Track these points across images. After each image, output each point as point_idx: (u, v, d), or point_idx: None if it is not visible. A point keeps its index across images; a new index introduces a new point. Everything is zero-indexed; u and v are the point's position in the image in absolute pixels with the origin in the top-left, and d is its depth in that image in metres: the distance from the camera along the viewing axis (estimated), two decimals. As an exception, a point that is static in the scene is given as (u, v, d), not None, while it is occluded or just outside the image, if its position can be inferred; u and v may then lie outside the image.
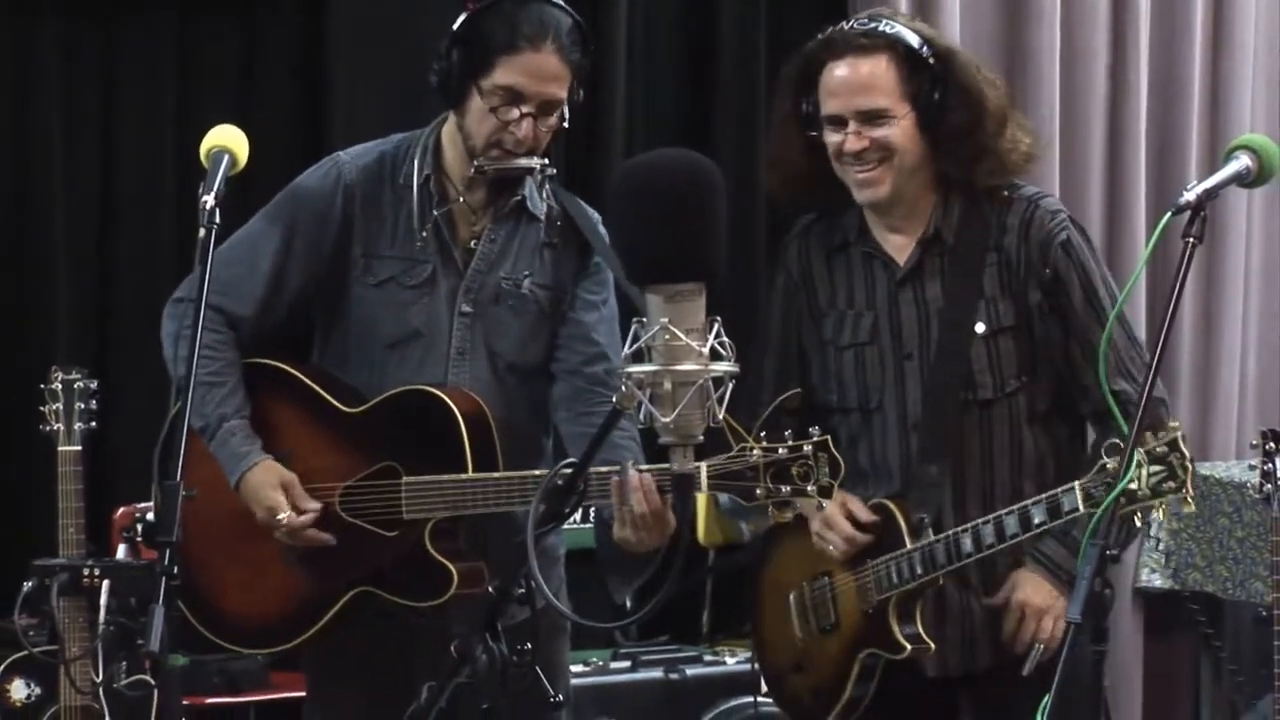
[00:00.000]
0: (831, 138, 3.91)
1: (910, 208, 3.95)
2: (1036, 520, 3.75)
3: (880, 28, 3.89)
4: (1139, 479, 3.48)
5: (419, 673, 3.87)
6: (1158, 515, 6.06)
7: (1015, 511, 3.78)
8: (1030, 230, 3.93)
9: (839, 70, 3.89)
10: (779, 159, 4.03)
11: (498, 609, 3.10)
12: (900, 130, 3.87)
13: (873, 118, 3.87)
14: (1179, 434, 3.51)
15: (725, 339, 2.70)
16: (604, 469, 3.70)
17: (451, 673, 3.11)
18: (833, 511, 3.93)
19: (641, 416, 2.70)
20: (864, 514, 3.94)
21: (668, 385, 2.66)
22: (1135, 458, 3.24)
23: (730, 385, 2.71)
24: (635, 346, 2.69)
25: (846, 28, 3.92)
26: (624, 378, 2.70)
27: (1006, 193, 3.97)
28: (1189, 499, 3.51)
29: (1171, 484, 3.48)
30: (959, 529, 3.83)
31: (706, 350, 2.67)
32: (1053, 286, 3.91)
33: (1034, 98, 6.16)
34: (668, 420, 2.67)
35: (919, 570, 3.85)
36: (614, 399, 2.76)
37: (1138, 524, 3.43)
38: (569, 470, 3.03)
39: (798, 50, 4.01)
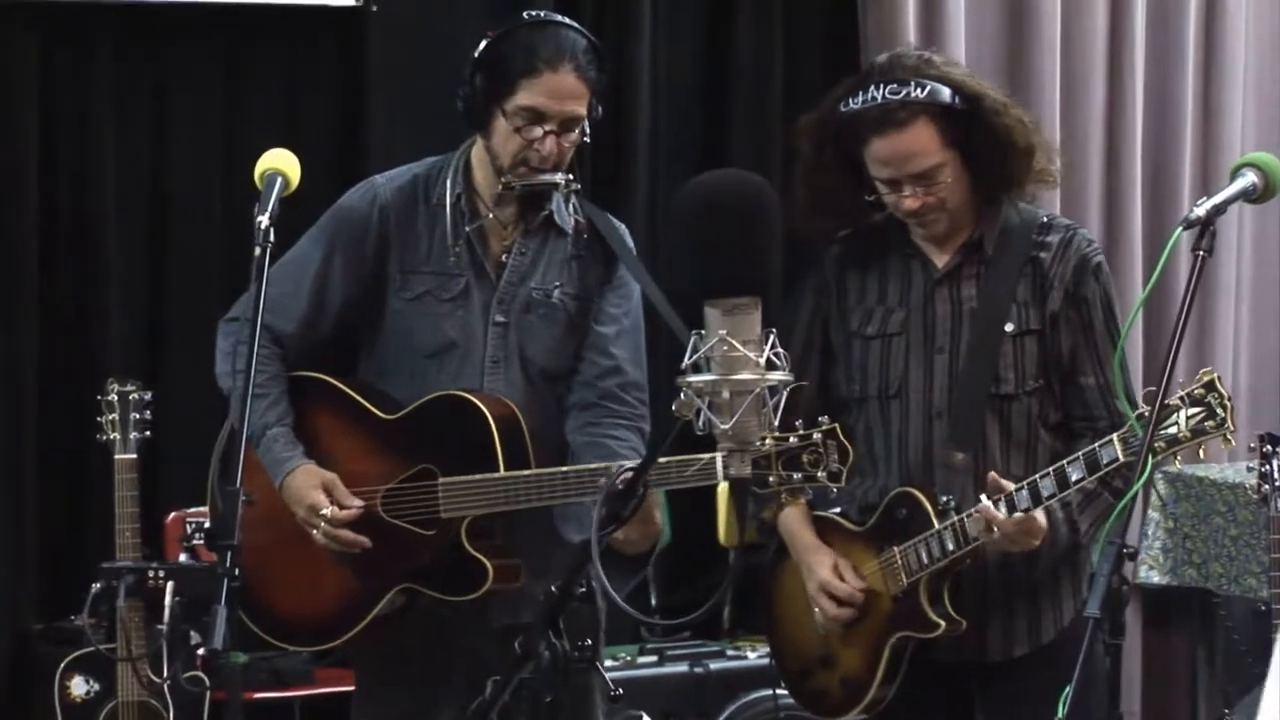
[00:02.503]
0: (888, 196, 3.97)
1: (955, 222, 4.04)
2: (1074, 477, 3.79)
3: (913, 94, 3.90)
4: (1178, 422, 3.60)
5: (461, 667, 4.02)
6: (1155, 515, 6.20)
7: (1050, 473, 3.82)
8: (1069, 250, 4.01)
9: (884, 146, 3.92)
10: (828, 202, 4.05)
11: (560, 606, 3.17)
12: (949, 180, 3.95)
13: (925, 177, 3.94)
14: (1214, 375, 3.63)
15: (780, 349, 2.77)
16: (593, 466, 3.88)
17: (515, 668, 3.18)
18: (828, 578, 4.04)
19: (700, 424, 2.77)
20: (854, 580, 4.03)
21: (726, 394, 2.75)
22: (1149, 463, 3.32)
23: (784, 394, 2.78)
24: (695, 357, 2.76)
25: (880, 99, 3.91)
26: (684, 387, 2.78)
27: (1047, 218, 4.09)
28: (1230, 436, 3.60)
29: (1211, 423, 3.59)
30: (992, 499, 3.84)
31: (763, 360, 2.74)
32: (1079, 303, 4.00)
33: (1035, 118, 6.19)
34: (726, 427, 2.75)
35: (950, 547, 3.90)
36: (673, 406, 2.82)
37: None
38: (629, 474, 3.13)
39: (827, 102, 4.03)
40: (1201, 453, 3.67)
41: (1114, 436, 3.76)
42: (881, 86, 3.94)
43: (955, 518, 3.92)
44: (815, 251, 4.24)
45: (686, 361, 2.80)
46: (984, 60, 6.33)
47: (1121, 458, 3.74)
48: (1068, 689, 3.15)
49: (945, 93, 3.94)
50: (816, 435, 3.58)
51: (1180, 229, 3.33)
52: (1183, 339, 3.33)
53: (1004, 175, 4.02)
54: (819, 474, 3.57)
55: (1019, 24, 6.46)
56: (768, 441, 3.32)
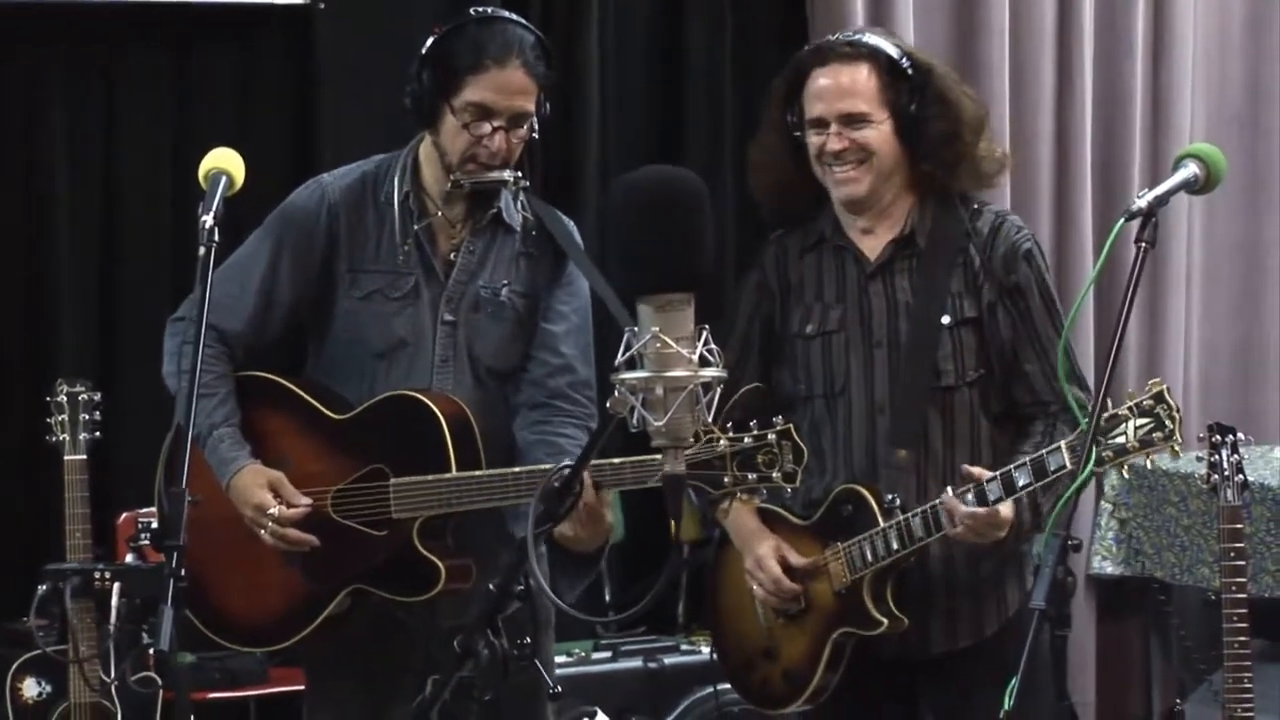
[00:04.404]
0: (814, 139, 4.02)
1: (885, 209, 4.06)
2: (1021, 483, 3.82)
3: (864, 39, 4.03)
4: (1126, 433, 3.61)
5: (412, 666, 4.00)
6: (1108, 506, 6.23)
7: (997, 477, 3.84)
8: (998, 238, 4.04)
9: (823, 77, 4.01)
10: (764, 163, 4.13)
11: (498, 605, 3.16)
12: (879, 134, 3.99)
13: (853, 121, 3.98)
14: (1164, 386, 3.63)
15: (713, 346, 2.76)
16: (546, 467, 3.82)
17: (455, 667, 3.16)
18: (766, 553, 4.07)
19: (635, 420, 2.77)
20: (797, 560, 4.05)
21: (659, 391, 2.75)
22: (1094, 452, 3.35)
23: (718, 390, 2.78)
24: (628, 354, 2.76)
25: (833, 39, 4.06)
26: (618, 384, 2.77)
27: (977, 206, 4.10)
28: (1177, 447, 3.60)
29: (1159, 434, 3.60)
30: (937, 501, 3.89)
31: (696, 357, 2.74)
32: (1013, 291, 4.02)
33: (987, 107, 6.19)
34: (660, 424, 2.75)
35: (894, 546, 3.93)
36: (608, 404, 2.82)
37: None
38: (565, 472, 3.11)
39: (786, 64, 4.11)
40: (1148, 462, 3.69)
41: (1061, 444, 3.79)
42: (839, 35, 4.09)
43: (900, 516, 3.94)
44: (759, 246, 4.26)
45: (620, 359, 2.79)
46: (932, 49, 6.16)
47: (1069, 465, 3.76)
48: (1014, 681, 3.14)
49: (895, 50, 4.03)
50: (771, 435, 3.59)
51: (1122, 220, 3.34)
52: (1126, 328, 3.31)
53: (951, 147, 4.04)
54: (774, 474, 3.58)
55: (967, 15, 6.49)
56: (723, 442, 3.43)
